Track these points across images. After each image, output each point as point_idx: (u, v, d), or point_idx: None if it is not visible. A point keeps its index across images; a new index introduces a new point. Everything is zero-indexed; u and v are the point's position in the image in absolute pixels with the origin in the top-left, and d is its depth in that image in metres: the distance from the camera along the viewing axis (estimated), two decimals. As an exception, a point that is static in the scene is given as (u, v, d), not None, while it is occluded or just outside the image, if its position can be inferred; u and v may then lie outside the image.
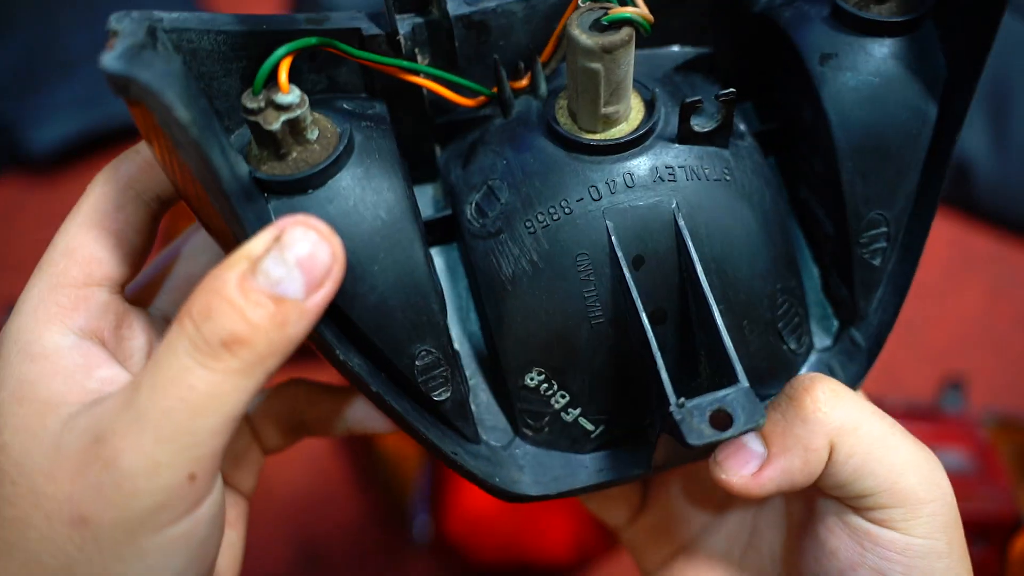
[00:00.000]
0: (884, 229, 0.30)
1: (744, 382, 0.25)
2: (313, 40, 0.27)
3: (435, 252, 0.32)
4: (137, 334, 0.29)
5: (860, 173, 0.30)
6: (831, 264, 0.32)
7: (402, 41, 0.29)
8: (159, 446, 0.23)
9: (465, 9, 0.29)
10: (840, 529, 0.30)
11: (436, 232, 0.32)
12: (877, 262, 0.31)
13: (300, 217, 0.23)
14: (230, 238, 0.24)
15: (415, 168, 0.31)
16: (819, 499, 0.31)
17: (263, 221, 0.24)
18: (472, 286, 0.31)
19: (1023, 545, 0.58)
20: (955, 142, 0.30)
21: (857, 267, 0.31)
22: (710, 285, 0.27)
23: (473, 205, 0.30)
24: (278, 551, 0.69)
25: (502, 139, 0.31)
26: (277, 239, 0.23)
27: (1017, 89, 0.83)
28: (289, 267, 0.23)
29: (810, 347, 0.32)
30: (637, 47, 0.28)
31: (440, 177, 0.32)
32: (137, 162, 0.28)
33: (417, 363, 0.28)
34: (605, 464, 0.31)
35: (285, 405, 0.35)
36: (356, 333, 0.27)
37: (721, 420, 0.25)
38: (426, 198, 0.32)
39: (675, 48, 0.33)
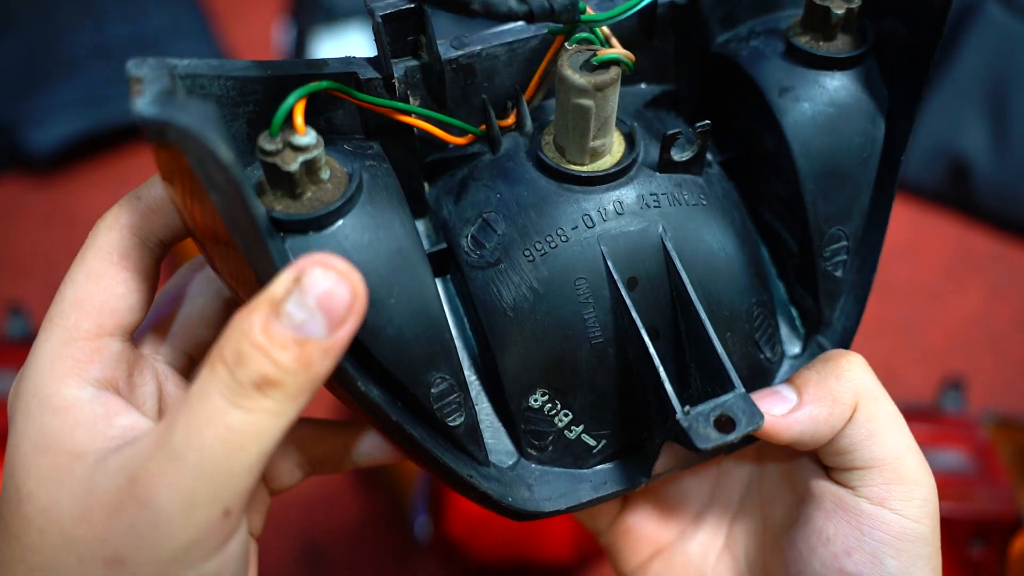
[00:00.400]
0: (844, 243, 0.33)
1: (741, 388, 0.28)
2: (324, 84, 0.28)
3: None
4: (148, 380, 0.30)
5: (821, 194, 0.33)
6: (796, 278, 0.35)
7: (396, 84, 0.31)
8: (196, 483, 0.24)
9: (453, 53, 0.32)
10: (839, 514, 0.31)
11: (431, 265, 0.33)
12: (839, 274, 0.34)
13: (318, 256, 0.24)
14: (251, 279, 0.25)
15: (408, 203, 0.32)
16: (816, 486, 0.33)
17: (284, 260, 0.25)
18: (470, 315, 0.33)
19: (1023, 545, 0.58)
20: (901, 161, 0.33)
21: (821, 279, 0.34)
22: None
23: (469, 238, 0.32)
24: (278, 551, 0.69)
25: (493, 174, 0.32)
26: (297, 280, 0.24)
27: (1017, 89, 0.83)
28: (311, 309, 0.24)
29: (782, 355, 0.35)
30: None
31: (430, 212, 0.34)
32: (139, 208, 0.29)
33: (433, 391, 0.29)
34: (608, 477, 0.33)
35: (291, 444, 0.35)
36: (375, 365, 0.28)
37: (724, 424, 0.27)
38: (423, 239, 0.34)
39: (643, 86, 0.36)
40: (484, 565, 0.65)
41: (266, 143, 0.27)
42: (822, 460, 0.32)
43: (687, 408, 0.27)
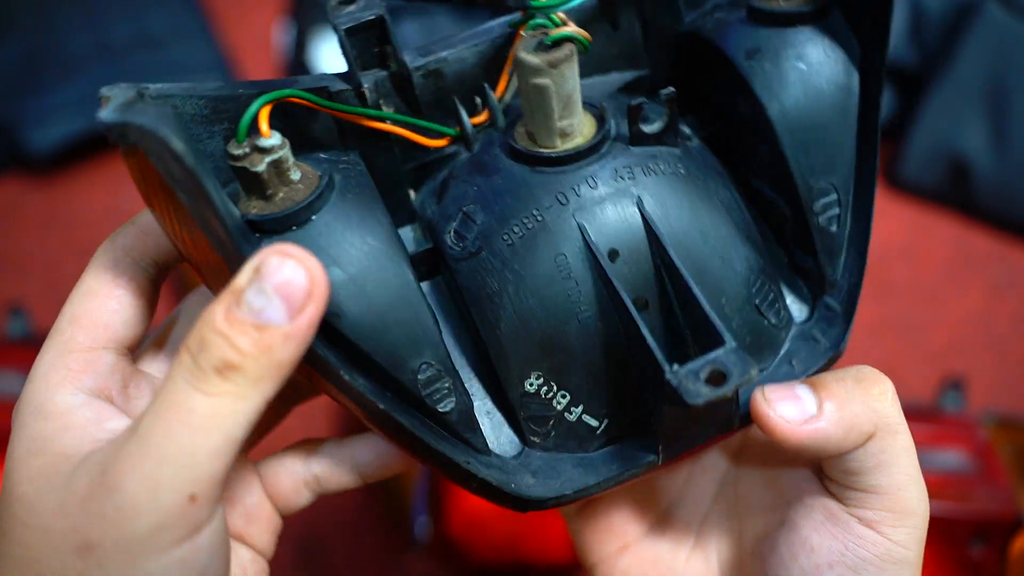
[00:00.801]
0: (834, 196, 0.33)
1: (731, 342, 0.27)
2: (287, 92, 0.30)
3: (423, 287, 0.34)
4: (144, 393, 0.30)
5: (802, 147, 0.32)
6: (794, 241, 0.34)
7: (367, 93, 0.32)
8: (160, 467, 0.25)
9: (421, 60, 0.33)
10: (827, 527, 0.32)
11: (420, 268, 0.33)
12: (834, 228, 0.33)
13: (277, 246, 0.25)
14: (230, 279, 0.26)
15: (393, 213, 0.33)
16: (808, 495, 0.33)
17: None
18: (461, 310, 0.33)
19: (1023, 545, 0.58)
20: (879, 107, 0.32)
21: (817, 236, 0.33)
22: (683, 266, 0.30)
23: (452, 233, 0.32)
24: (278, 551, 0.69)
25: (470, 170, 0.33)
26: (257, 270, 0.25)
27: (1017, 89, 0.83)
28: (269, 296, 0.25)
29: (790, 320, 0.34)
30: (581, 77, 0.31)
31: (418, 218, 0.35)
32: (132, 232, 0.31)
33: (420, 377, 0.30)
34: (614, 458, 0.32)
35: (297, 462, 0.37)
36: (358, 354, 0.29)
37: (716, 379, 0.26)
38: (407, 239, 0.34)
39: (614, 75, 0.36)
40: (484, 565, 0.65)
41: (234, 149, 0.28)
42: (822, 465, 0.32)
43: (675, 366, 0.26)
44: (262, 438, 0.38)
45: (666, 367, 0.27)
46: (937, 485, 0.61)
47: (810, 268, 0.34)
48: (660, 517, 0.39)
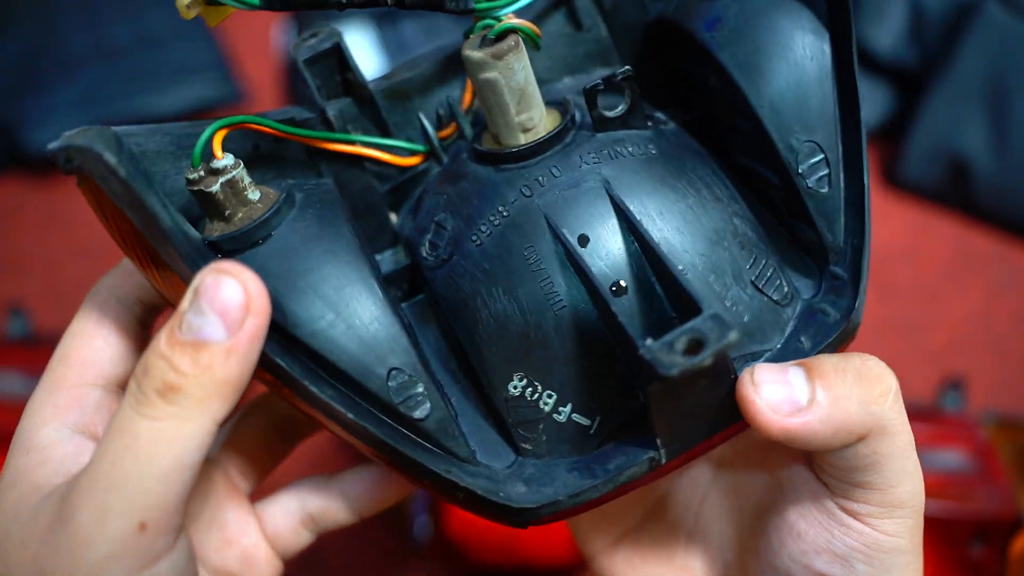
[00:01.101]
0: (820, 156, 0.31)
1: (709, 308, 0.25)
2: (240, 118, 0.30)
3: (406, 308, 0.34)
4: None
5: (774, 109, 0.31)
6: (790, 214, 0.33)
7: (333, 120, 0.33)
8: (108, 495, 0.25)
9: (384, 83, 0.33)
10: (813, 514, 0.31)
11: (401, 286, 0.34)
12: (825, 189, 0.31)
13: (213, 264, 0.25)
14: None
15: (374, 237, 0.33)
16: (796, 478, 0.32)
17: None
18: (443, 324, 0.32)
19: (1023, 545, 0.58)
20: (853, 60, 0.31)
21: (808, 199, 0.32)
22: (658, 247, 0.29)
23: (426, 244, 0.32)
24: (278, 551, 0.69)
25: (441, 181, 0.33)
26: (195, 290, 0.25)
27: (1017, 89, 0.83)
28: (205, 313, 0.25)
29: (795, 296, 0.32)
30: (550, 81, 0.32)
31: (399, 240, 0.35)
32: (118, 273, 0.32)
33: (390, 383, 0.29)
34: (612, 457, 0.30)
35: (291, 502, 0.36)
36: (324, 364, 0.28)
37: (693, 348, 0.25)
38: (388, 261, 0.34)
39: (584, 76, 0.36)
40: (484, 565, 0.65)
41: (189, 173, 0.29)
42: (811, 455, 0.31)
43: (648, 340, 0.25)
44: (264, 478, 0.38)
45: (639, 342, 0.25)
46: (937, 485, 0.61)
47: (811, 239, 0.32)
48: (657, 504, 0.38)
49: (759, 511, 0.34)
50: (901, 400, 0.29)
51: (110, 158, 0.24)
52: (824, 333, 0.31)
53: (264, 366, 0.27)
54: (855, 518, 0.30)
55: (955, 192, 0.87)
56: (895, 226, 0.87)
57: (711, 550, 0.36)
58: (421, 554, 0.66)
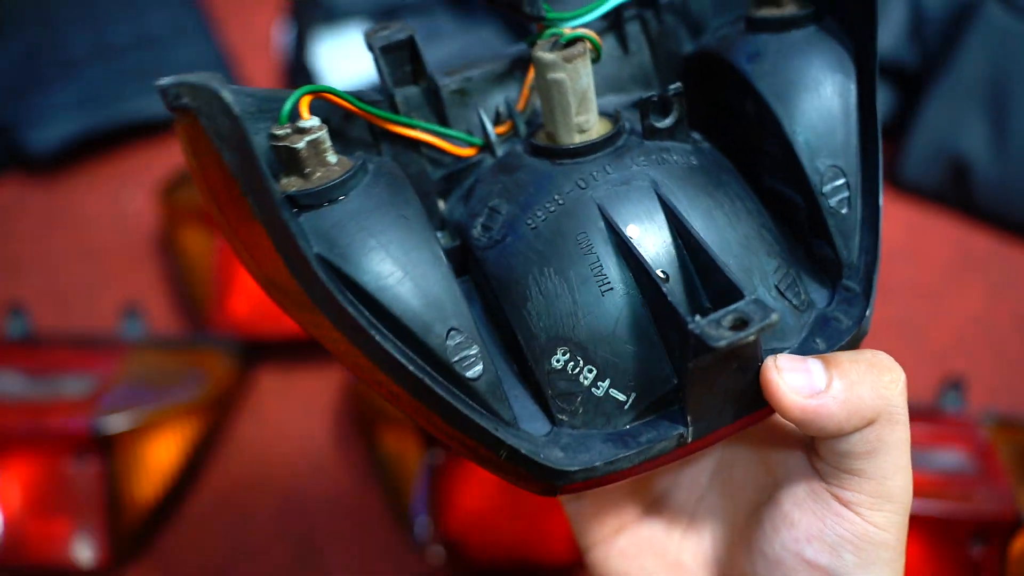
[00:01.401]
0: (843, 179, 0.35)
1: (752, 294, 0.28)
2: (323, 87, 0.32)
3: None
4: None
5: (806, 135, 0.35)
6: (810, 230, 0.36)
7: (399, 105, 0.36)
8: None
9: (448, 80, 0.36)
10: (808, 503, 0.32)
11: (450, 265, 0.36)
12: (845, 210, 0.35)
13: None
14: (269, 247, 0.27)
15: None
16: (794, 473, 0.34)
17: (298, 228, 0.27)
18: (489, 302, 0.35)
19: (1023, 545, 0.59)
20: (875, 95, 0.35)
21: (829, 218, 0.35)
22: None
23: (479, 227, 0.35)
24: (278, 551, 0.69)
25: (495, 171, 0.36)
26: None
27: (1017, 89, 0.83)
28: None
29: (811, 304, 0.35)
30: (597, 95, 0.34)
31: (447, 224, 0.37)
32: None
33: (448, 342, 0.31)
34: (644, 431, 0.32)
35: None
36: (388, 319, 0.30)
37: (738, 325, 0.27)
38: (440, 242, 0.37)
39: (626, 96, 0.40)
40: (484, 565, 0.65)
41: (277, 130, 0.31)
42: (814, 442, 0.33)
43: (697, 317, 0.28)
44: None
45: (688, 319, 0.28)
46: (937, 485, 0.61)
47: (827, 255, 0.36)
48: (656, 499, 0.39)
49: (753, 509, 0.36)
50: (906, 394, 0.31)
51: (227, 96, 0.25)
52: (837, 337, 0.34)
53: (333, 317, 0.28)
54: (848, 507, 0.32)
55: (955, 192, 0.87)
56: (895, 226, 0.87)
57: (704, 546, 0.38)
58: (421, 554, 0.66)
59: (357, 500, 0.70)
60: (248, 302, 0.75)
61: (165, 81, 0.26)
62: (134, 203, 0.87)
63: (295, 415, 0.75)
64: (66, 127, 0.87)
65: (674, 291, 0.32)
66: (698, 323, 0.27)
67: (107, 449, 0.63)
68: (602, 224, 0.32)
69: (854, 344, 0.34)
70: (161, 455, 0.66)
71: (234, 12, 0.99)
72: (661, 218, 0.32)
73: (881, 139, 0.35)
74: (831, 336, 0.34)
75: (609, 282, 0.32)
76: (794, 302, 0.34)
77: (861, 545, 0.31)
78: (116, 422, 0.62)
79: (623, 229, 0.32)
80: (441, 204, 0.38)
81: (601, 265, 0.32)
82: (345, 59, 0.90)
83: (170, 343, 0.72)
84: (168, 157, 0.88)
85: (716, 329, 0.27)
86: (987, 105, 0.84)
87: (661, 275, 0.32)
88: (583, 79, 0.33)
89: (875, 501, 0.31)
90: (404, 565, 0.67)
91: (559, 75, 0.33)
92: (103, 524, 0.63)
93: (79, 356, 0.69)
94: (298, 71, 0.91)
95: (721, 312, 0.28)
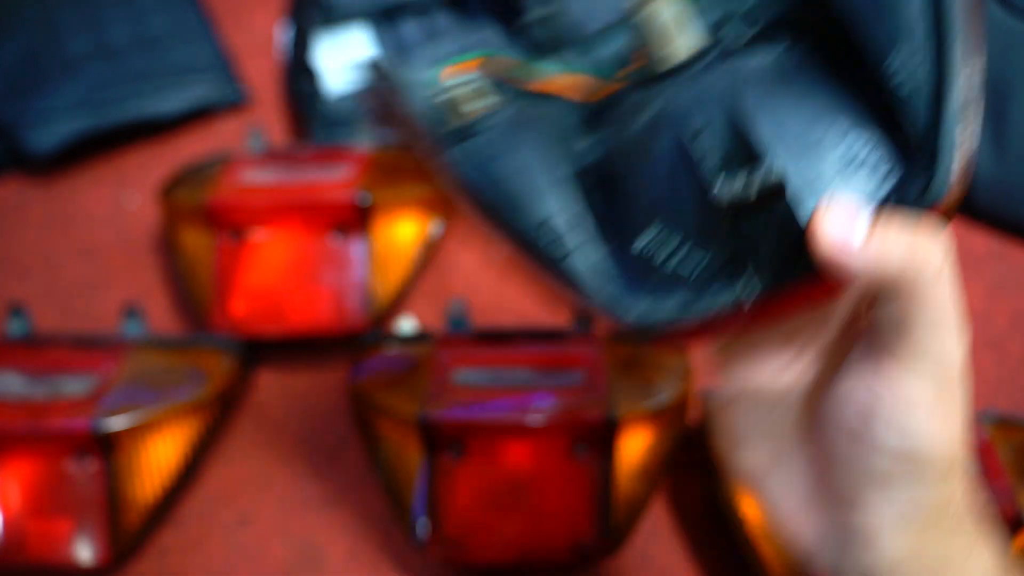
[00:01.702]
0: (915, 56, 0.36)
1: (776, 159, 0.35)
2: (483, 52, 0.42)
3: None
4: None
5: (873, 14, 0.37)
6: (885, 111, 0.37)
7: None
8: None
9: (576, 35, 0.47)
10: (858, 364, 0.35)
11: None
12: (917, 86, 0.36)
13: None
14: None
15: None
16: (848, 334, 0.37)
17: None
18: (596, 188, 0.41)
19: (1023, 545, 0.58)
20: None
21: (898, 96, 0.36)
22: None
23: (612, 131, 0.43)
24: (278, 550, 0.69)
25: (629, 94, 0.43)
26: None
27: (1017, 89, 0.83)
28: None
29: (883, 175, 0.38)
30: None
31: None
32: None
33: (553, 222, 0.39)
34: (715, 289, 0.37)
35: None
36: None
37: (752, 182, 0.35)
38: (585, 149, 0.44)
39: None
40: (484, 565, 0.65)
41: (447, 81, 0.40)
42: (859, 303, 0.36)
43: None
44: None
45: (709, 176, 0.36)
46: (937, 485, 0.60)
47: (903, 131, 0.37)
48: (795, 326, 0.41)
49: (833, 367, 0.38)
50: (948, 278, 0.33)
51: (384, 63, 0.36)
52: (904, 201, 0.36)
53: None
54: (884, 367, 0.33)
55: (955, 192, 0.87)
56: (895, 226, 0.87)
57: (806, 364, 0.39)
58: (421, 554, 0.66)
59: (357, 500, 0.70)
60: (248, 302, 0.74)
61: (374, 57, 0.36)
62: (134, 203, 0.87)
63: (295, 415, 0.75)
64: (66, 127, 0.87)
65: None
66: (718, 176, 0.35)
67: (107, 449, 0.63)
68: (713, 111, 0.37)
69: (921, 214, 0.35)
70: (161, 455, 0.66)
71: (235, 12, 0.99)
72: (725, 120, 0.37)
73: (961, 10, 0.35)
74: (898, 200, 0.35)
75: (704, 162, 0.37)
76: (862, 172, 0.36)
77: (896, 405, 0.33)
78: (116, 422, 0.62)
79: (693, 127, 0.37)
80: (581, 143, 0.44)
81: (700, 146, 0.37)
82: (345, 59, 0.90)
83: (170, 343, 0.73)
84: (168, 157, 0.88)
85: (729, 183, 0.35)
86: (987, 105, 0.84)
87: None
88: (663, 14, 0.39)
89: (907, 363, 0.33)
90: (404, 565, 0.67)
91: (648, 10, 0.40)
92: (103, 523, 0.63)
93: (79, 356, 0.69)
94: (298, 71, 0.91)
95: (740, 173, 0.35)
